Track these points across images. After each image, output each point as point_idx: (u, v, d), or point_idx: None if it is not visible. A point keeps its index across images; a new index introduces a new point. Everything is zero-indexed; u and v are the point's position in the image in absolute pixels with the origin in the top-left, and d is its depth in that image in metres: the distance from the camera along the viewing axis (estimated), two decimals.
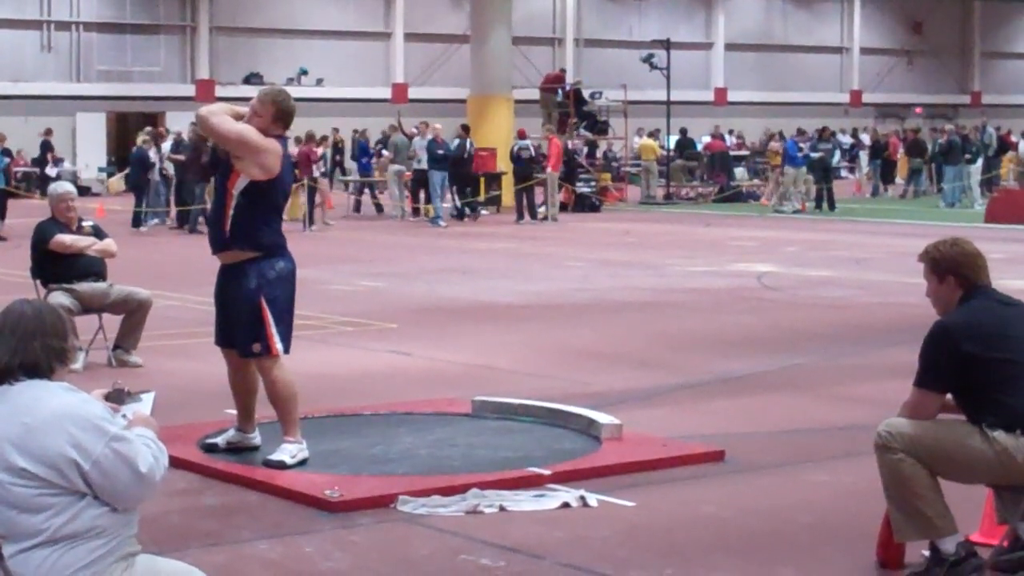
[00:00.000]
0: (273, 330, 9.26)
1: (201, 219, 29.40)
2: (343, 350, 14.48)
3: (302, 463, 9.19)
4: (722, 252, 25.72)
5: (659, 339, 15.35)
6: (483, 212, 36.05)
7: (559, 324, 16.48)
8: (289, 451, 9.20)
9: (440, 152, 34.09)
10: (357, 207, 37.35)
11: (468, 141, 35.27)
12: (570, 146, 38.64)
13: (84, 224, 13.54)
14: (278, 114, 9.32)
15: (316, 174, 32.70)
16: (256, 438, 9.68)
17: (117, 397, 5.33)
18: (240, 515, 8.26)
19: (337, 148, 42.01)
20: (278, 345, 9.29)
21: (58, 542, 4.82)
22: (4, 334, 5.00)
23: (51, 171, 42.56)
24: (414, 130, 36.14)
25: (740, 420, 10.93)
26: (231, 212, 9.25)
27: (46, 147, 45.14)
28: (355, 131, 42.63)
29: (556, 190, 35.40)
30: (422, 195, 35.16)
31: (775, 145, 42.02)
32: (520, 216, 34.75)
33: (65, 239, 13.20)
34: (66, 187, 13.87)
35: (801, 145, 37.89)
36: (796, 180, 37.66)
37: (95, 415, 4.91)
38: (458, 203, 35.15)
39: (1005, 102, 67.08)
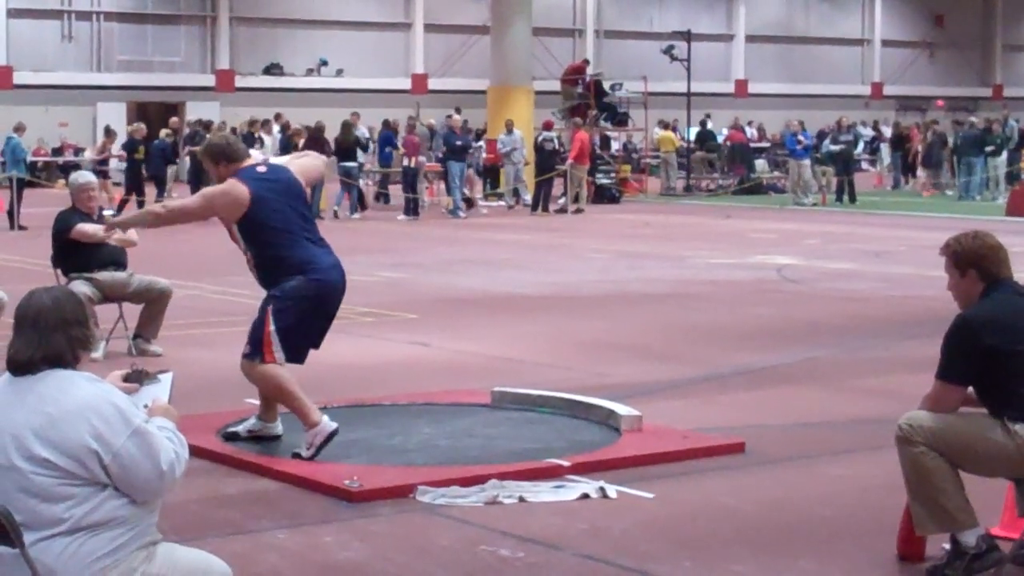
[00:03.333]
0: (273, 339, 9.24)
1: None
2: (363, 340, 14.47)
3: (329, 439, 9.14)
4: (742, 244, 25.69)
5: (679, 331, 15.34)
6: (502, 203, 36.05)
7: (578, 315, 16.47)
8: (305, 440, 9.19)
9: (458, 143, 34.10)
10: (376, 197, 37.29)
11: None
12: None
13: (105, 214, 13.56)
14: (215, 157, 9.40)
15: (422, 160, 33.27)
16: (277, 427, 9.69)
17: (136, 377, 5.35)
18: (259, 504, 8.27)
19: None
20: (277, 355, 9.26)
21: (79, 531, 4.83)
22: (26, 327, 5.00)
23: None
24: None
25: (760, 412, 10.92)
26: (255, 262, 9.37)
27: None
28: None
29: (583, 182, 35.41)
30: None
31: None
32: (536, 206, 34.79)
33: (86, 229, 13.21)
34: (88, 177, 13.90)
35: (800, 138, 37.75)
36: (800, 173, 37.59)
37: (118, 407, 4.91)
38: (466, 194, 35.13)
39: None
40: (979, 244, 6.91)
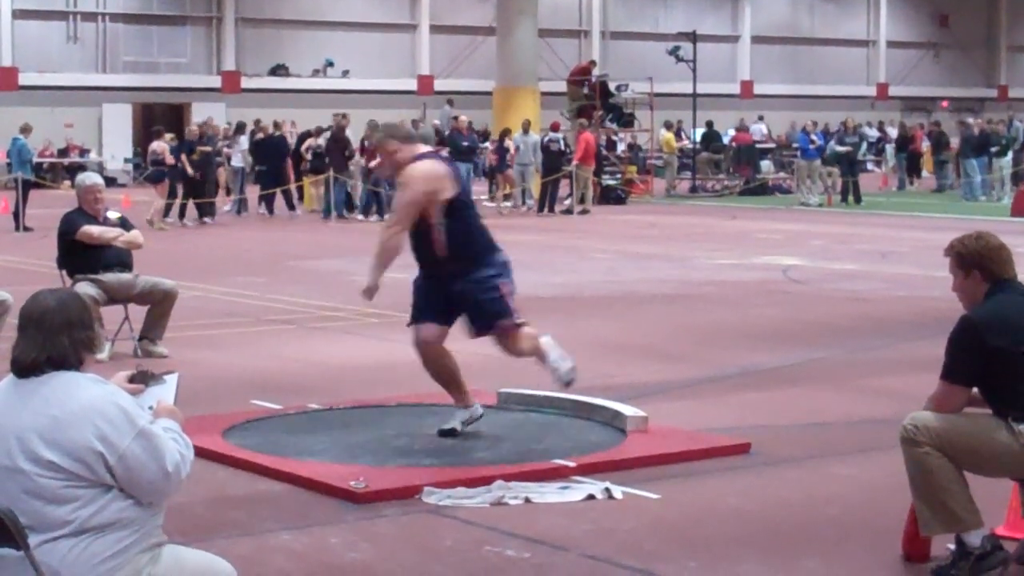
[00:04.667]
0: None
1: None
2: (368, 341, 14.49)
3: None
4: (747, 245, 25.68)
5: (685, 331, 15.34)
6: (507, 205, 36.07)
7: (584, 316, 16.47)
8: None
9: (464, 144, 34.12)
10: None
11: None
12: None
13: (110, 215, 13.56)
14: (404, 139, 9.87)
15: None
16: (478, 409, 9.98)
17: (141, 379, 5.34)
18: (265, 506, 8.27)
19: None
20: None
21: (84, 533, 4.83)
22: (30, 329, 5.00)
23: None
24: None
25: (766, 413, 10.92)
26: (442, 235, 9.74)
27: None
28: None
29: (589, 183, 35.36)
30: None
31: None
32: (542, 207, 34.81)
33: (92, 230, 13.22)
34: (94, 179, 13.88)
35: (812, 137, 37.78)
36: (810, 172, 37.58)
37: (123, 409, 4.91)
38: None
39: None
40: (982, 245, 6.91)
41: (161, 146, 31.46)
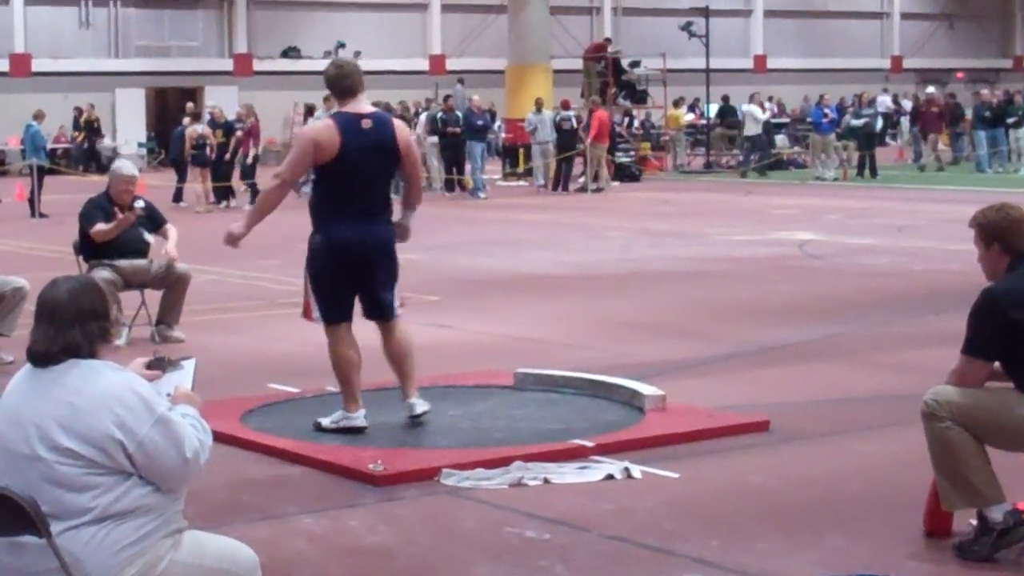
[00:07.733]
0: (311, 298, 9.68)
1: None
2: None
3: (344, 432, 9.28)
4: (763, 220, 25.64)
5: (701, 308, 15.31)
6: (522, 183, 36.06)
7: (600, 295, 16.44)
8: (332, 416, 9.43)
9: (479, 123, 34.10)
10: None
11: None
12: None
13: (136, 205, 13.48)
14: (328, 88, 9.68)
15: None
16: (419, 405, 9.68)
17: (158, 365, 5.34)
18: (285, 489, 8.27)
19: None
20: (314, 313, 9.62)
21: (105, 520, 4.83)
22: (43, 321, 5.00)
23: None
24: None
25: (784, 389, 10.90)
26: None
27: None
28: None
29: (603, 161, 35.27)
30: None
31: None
32: (556, 186, 34.76)
33: (102, 228, 13.13)
34: (131, 169, 13.75)
35: (826, 111, 37.69)
36: (825, 147, 37.49)
37: (141, 396, 4.91)
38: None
39: None
40: (1002, 217, 6.88)
41: (206, 130, 31.53)
